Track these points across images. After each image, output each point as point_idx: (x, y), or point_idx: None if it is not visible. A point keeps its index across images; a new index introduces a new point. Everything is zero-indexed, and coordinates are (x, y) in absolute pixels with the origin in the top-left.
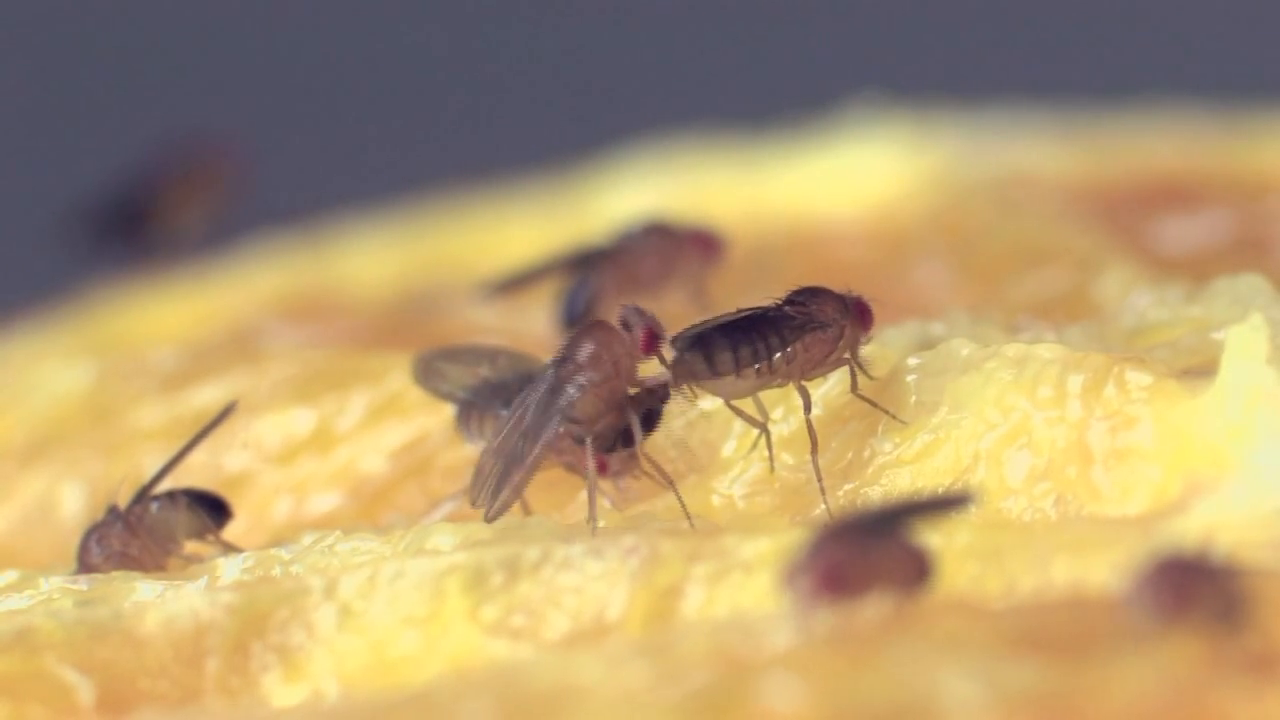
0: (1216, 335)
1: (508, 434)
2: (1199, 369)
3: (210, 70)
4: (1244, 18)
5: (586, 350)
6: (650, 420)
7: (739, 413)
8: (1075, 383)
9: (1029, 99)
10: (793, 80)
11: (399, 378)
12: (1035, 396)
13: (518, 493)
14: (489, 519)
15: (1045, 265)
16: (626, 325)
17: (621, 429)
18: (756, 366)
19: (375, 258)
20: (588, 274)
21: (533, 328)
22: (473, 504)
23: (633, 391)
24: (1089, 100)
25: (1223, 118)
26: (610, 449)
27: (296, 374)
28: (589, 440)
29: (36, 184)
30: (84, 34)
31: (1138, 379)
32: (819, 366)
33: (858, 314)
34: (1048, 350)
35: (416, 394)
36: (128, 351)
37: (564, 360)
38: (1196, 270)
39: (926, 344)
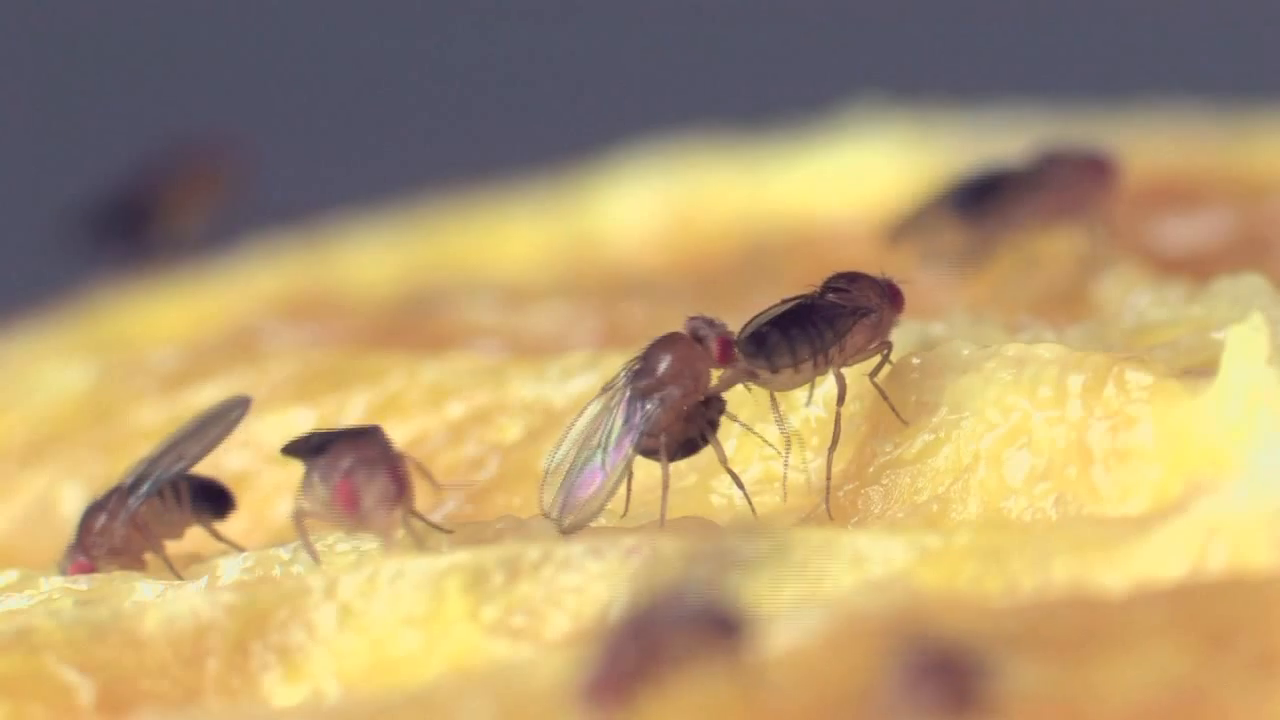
0: (1216, 335)
1: (581, 441)
2: (1199, 369)
3: (210, 70)
4: (1244, 18)
5: (668, 364)
6: (711, 430)
7: (776, 411)
8: (1075, 383)
9: (1029, 99)
10: (793, 80)
11: (399, 378)
12: (1035, 396)
13: (598, 508)
14: (565, 531)
15: (1045, 265)
16: (698, 336)
17: (683, 440)
18: (814, 361)
19: (375, 258)
20: (977, 210)
21: (533, 327)
22: (545, 512)
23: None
24: (1089, 100)
25: (1223, 118)
26: (673, 457)
27: (296, 374)
28: (663, 445)
29: (36, 184)
30: (84, 34)
31: (1138, 379)
32: (860, 353)
33: (890, 296)
34: (1048, 350)
35: (416, 394)
36: (128, 351)
37: (643, 372)
38: (1196, 270)
39: (926, 344)
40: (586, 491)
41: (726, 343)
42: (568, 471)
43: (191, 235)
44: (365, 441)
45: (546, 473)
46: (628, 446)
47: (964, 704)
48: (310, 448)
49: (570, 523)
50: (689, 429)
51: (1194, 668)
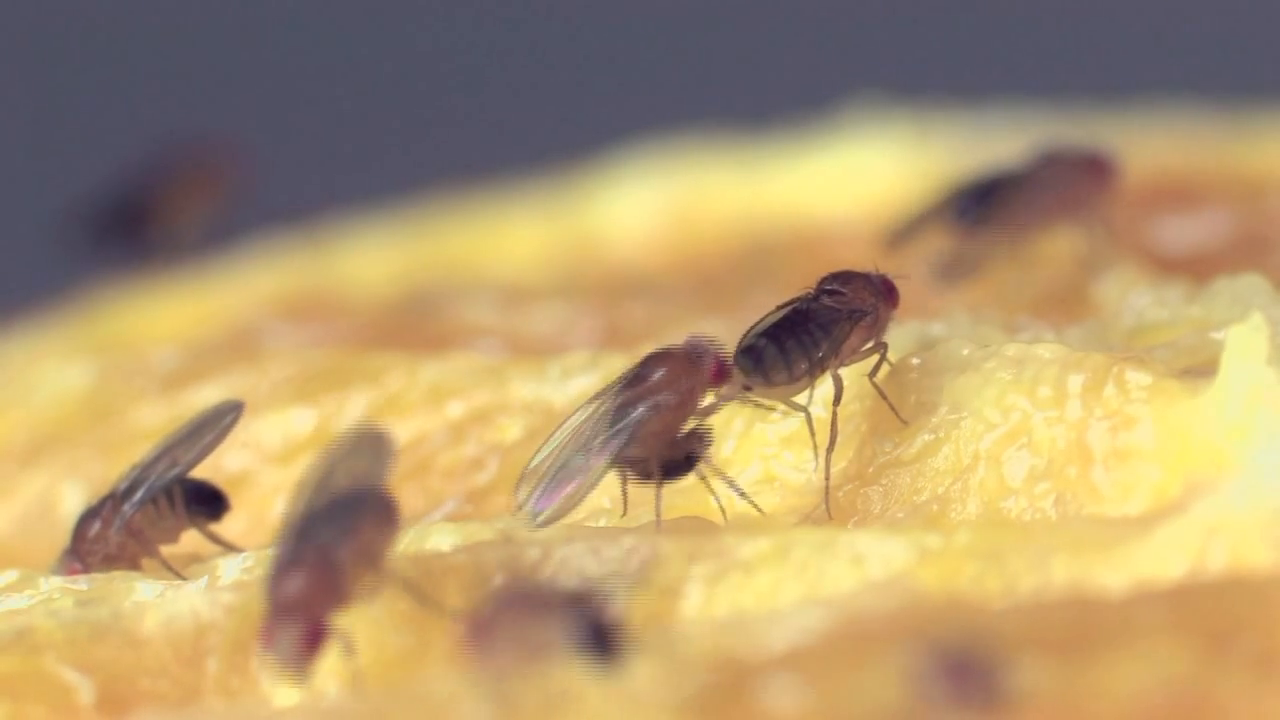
0: (1216, 335)
1: (566, 443)
2: (1199, 369)
3: (210, 70)
4: (1244, 18)
5: (661, 374)
6: (690, 463)
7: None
8: (1075, 383)
9: (1029, 99)
10: (793, 80)
11: (399, 378)
12: (1035, 396)
13: (573, 504)
14: (538, 524)
15: (1045, 265)
16: (695, 354)
17: (667, 462)
18: (810, 371)
19: (376, 258)
20: (977, 216)
21: (533, 327)
22: (518, 505)
23: (684, 431)
24: (1089, 100)
25: (1223, 118)
26: (662, 478)
27: (296, 374)
28: (654, 455)
29: (36, 184)
30: (84, 34)
31: (1138, 379)
32: (855, 353)
33: (886, 294)
34: (1047, 350)
35: (416, 394)
36: (128, 351)
37: (636, 380)
38: (1196, 270)
39: (926, 344)
40: (562, 491)
41: (722, 365)
42: (547, 470)
43: (191, 235)
44: (308, 570)
45: (525, 471)
46: (609, 451)
47: (991, 702)
48: (293, 521)
49: (542, 519)
50: (674, 453)
51: (1194, 668)
